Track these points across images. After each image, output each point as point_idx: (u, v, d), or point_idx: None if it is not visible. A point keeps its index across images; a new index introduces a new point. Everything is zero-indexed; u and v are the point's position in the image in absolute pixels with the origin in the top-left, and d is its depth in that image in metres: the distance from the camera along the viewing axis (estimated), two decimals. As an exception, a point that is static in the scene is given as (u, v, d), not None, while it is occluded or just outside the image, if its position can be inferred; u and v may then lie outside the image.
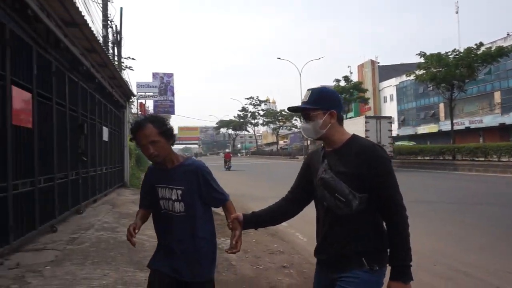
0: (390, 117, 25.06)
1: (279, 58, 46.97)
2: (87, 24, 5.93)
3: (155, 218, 2.21)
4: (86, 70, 7.45)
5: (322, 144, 1.92)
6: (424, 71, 24.69)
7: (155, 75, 49.97)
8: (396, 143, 29.81)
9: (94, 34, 6.50)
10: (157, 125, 2.01)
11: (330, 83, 45.78)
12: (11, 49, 4.08)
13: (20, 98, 4.36)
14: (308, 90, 1.88)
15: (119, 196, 10.83)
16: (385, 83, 49.64)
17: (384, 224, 1.74)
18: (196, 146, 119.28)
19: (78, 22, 5.76)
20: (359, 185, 1.68)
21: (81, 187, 7.40)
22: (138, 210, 2.27)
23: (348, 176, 1.70)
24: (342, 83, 37.99)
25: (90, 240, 5.21)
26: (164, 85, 49.40)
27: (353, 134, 1.88)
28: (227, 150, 59.38)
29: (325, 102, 1.81)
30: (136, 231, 2.06)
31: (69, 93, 6.46)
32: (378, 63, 52.14)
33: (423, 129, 43.44)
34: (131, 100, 16.18)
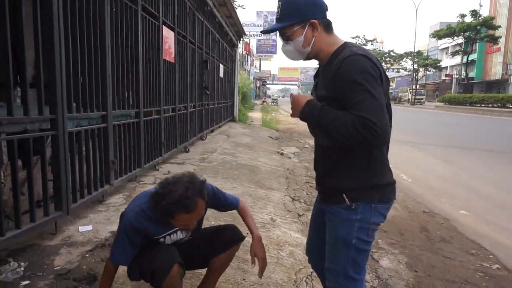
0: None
1: (393, -9, 42.19)
2: (215, -35, 6.39)
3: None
4: (210, 10, 8.10)
5: None
6: None
7: (259, 13, 49.96)
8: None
9: (219, -26, 6.97)
10: (206, 198, 1.68)
11: (453, 19, 40.13)
12: (162, -7, 4.80)
13: (167, 36, 5.16)
14: (278, 1, 1.50)
15: (230, 128, 11.99)
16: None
17: (379, 155, 1.49)
18: (295, 87, 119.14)
19: (207, -36, 6.25)
20: (341, 109, 1.36)
21: (204, 117, 8.49)
22: (107, 266, 1.78)
23: (328, 100, 1.43)
24: (469, 19, 32.97)
25: (217, 161, 6.18)
26: (267, 24, 49.35)
27: (343, 43, 1.50)
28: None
29: (300, 13, 1.44)
30: None
31: (197, 32, 7.22)
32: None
33: None
34: (241, 39, 16.87)
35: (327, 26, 1.49)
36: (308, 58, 1.54)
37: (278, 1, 1.50)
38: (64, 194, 2.64)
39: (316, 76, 1.61)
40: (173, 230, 1.81)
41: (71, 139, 2.79)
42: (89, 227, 2.87)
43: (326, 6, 1.50)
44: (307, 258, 1.94)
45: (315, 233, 1.78)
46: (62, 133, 2.60)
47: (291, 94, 1.54)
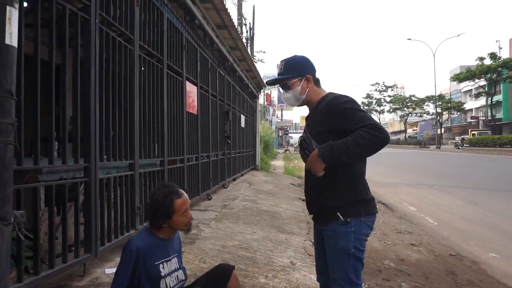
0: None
1: (410, 39, 43.39)
2: (234, 26, 7.00)
3: None
4: (230, 65, 8.68)
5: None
6: None
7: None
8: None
9: (238, 34, 7.59)
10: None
11: (471, 62, 40.31)
12: (186, 53, 5.29)
13: (191, 91, 5.59)
14: (281, 61, 1.99)
15: (253, 176, 12.16)
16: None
17: (359, 176, 1.85)
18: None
19: (227, 25, 6.86)
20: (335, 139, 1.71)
21: (226, 166, 8.74)
22: None
23: (322, 133, 1.78)
24: (488, 62, 33.04)
25: (238, 207, 6.29)
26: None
27: (328, 92, 1.94)
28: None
29: (299, 69, 1.91)
30: None
31: (218, 85, 7.71)
32: (538, 34, 42.99)
33: None
34: (261, 91, 17.59)
35: (317, 82, 1.96)
36: (301, 104, 1.98)
37: (281, 61, 1.99)
38: (93, 237, 2.83)
39: (307, 119, 2.03)
40: (168, 258, 1.98)
41: (101, 186, 3.04)
42: (115, 270, 3.00)
43: (316, 69, 2.00)
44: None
45: (319, 253, 2.03)
46: (94, 179, 2.86)
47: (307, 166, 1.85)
